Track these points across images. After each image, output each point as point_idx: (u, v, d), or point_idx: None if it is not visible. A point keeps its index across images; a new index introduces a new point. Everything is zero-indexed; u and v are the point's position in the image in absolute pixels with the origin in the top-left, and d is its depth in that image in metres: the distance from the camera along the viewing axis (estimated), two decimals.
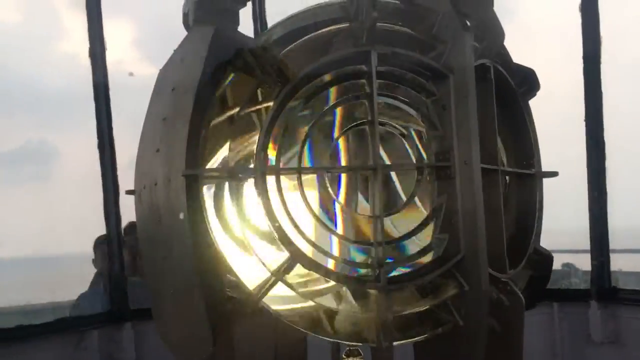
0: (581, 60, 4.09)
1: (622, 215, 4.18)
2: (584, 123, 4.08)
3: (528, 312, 2.08)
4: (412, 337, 1.66)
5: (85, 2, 4.27)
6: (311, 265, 1.59)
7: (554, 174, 2.14)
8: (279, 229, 1.61)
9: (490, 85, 1.81)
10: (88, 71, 4.32)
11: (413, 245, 1.75)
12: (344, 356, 2.09)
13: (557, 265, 4.21)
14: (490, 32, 1.90)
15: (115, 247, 4.31)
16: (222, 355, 1.94)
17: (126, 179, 4.37)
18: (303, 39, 1.79)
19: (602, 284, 4.04)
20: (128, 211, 4.41)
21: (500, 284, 1.77)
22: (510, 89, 1.96)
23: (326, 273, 1.59)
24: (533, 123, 2.09)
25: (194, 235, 1.73)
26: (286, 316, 1.66)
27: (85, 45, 4.30)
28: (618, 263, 4.10)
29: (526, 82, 2.04)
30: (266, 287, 1.61)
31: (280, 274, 1.59)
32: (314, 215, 1.69)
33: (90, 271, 4.69)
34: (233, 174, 1.69)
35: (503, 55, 2.02)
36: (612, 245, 4.05)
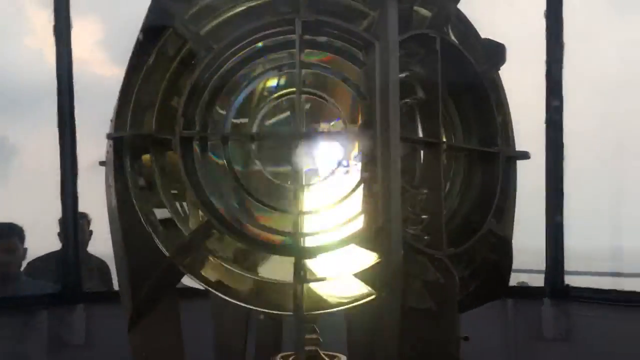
0: (544, 67, 4.13)
1: (577, 239, 4.23)
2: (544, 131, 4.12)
3: (483, 307, 2.10)
4: (333, 307, 1.66)
5: None
6: (226, 229, 1.59)
7: (523, 154, 2.10)
8: (196, 194, 1.62)
9: (434, 56, 1.79)
10: (53, 67, 4.28)
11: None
12: None
13: (512, 282, 4.28)
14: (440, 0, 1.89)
15: (70, 228, 4.28)
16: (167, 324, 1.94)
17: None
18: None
19: (556, 282, 4.08)
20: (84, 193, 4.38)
21: (435, 262, 1.76)
22: (467, 64, 1.92)
23: (240, 238, 1.58)
24: (502, 100, 2.05)
25: (118, 202, 1.78)
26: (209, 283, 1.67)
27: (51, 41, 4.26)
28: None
29: (493, 56, 2.01)
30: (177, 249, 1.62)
31: (195, 237, 1.60)
32: (239, 183, 1.70)
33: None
34: (155, 138, 1.69)
35: (465, 29, 2.00)
36: (567, 267, 4.11)
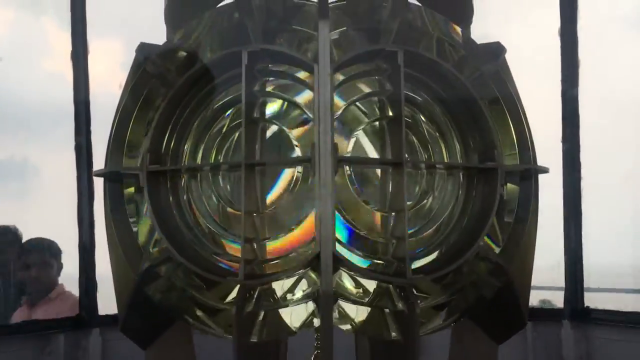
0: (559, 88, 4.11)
1: (598, 255, 4.19)
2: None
3: None
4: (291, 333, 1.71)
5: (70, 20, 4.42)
6: (179, 257, 1.66)
7: (530, 170, 1.94)
8: (157, 227, 1.70)
9: (397, 71, 1.77)
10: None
11: None
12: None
13: (534, 301, 4.28)
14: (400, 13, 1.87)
15: (86, 252, 4.39)
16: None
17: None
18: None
19: (575, 304, 4.03)
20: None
21: (398, 289, 1.77)
22: (450, 76, 1.88)
23: (192, 266, 1.66)
24: (511, 111, 1.95)
25: (109, 236, 1.93)
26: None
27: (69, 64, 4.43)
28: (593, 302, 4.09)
29: (486, 61, 1.94)
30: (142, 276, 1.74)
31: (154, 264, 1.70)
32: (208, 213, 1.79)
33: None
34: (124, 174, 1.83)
35: (456, 41, 1.96)
36: (586, 284, 4.06)
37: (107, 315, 4.38)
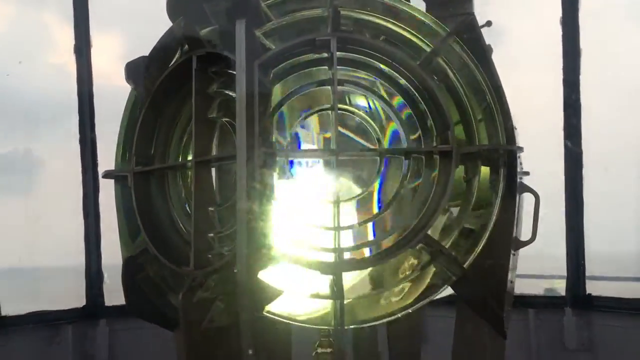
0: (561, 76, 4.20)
1: (600, 242, 4.25)
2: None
3: None
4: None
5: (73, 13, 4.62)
6: (153, 248, 1.91)
7: (506, 149, 1.87)
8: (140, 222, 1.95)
9: (330, 59, 1.83)
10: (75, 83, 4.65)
11: None
12: (316, 346, 2.25)
13: (539, 290, 4.39)
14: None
15: (92, 244, 4.59)
16: None
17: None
18: None
19: (577, 291, 4.13)
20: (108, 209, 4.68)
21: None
22: (398, 59, 1.89)
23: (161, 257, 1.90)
24: (478, 90, 1.92)
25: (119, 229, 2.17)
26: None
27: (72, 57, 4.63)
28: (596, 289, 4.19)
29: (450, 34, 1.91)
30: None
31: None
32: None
33: (70, 284, 4.77)
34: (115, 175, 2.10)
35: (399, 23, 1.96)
36: (589, 272, 4.17)
37: (113, 306, 4.58)
